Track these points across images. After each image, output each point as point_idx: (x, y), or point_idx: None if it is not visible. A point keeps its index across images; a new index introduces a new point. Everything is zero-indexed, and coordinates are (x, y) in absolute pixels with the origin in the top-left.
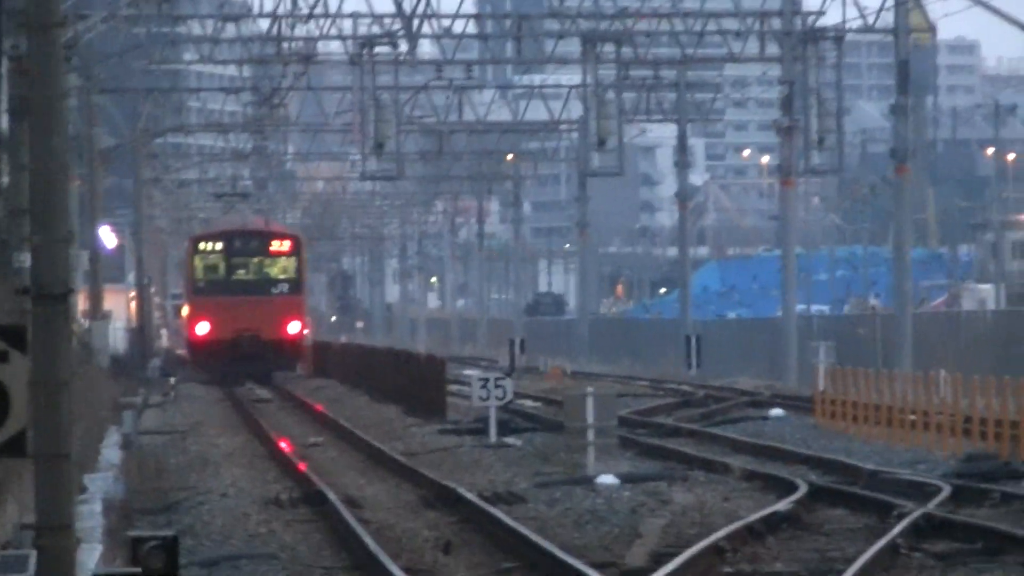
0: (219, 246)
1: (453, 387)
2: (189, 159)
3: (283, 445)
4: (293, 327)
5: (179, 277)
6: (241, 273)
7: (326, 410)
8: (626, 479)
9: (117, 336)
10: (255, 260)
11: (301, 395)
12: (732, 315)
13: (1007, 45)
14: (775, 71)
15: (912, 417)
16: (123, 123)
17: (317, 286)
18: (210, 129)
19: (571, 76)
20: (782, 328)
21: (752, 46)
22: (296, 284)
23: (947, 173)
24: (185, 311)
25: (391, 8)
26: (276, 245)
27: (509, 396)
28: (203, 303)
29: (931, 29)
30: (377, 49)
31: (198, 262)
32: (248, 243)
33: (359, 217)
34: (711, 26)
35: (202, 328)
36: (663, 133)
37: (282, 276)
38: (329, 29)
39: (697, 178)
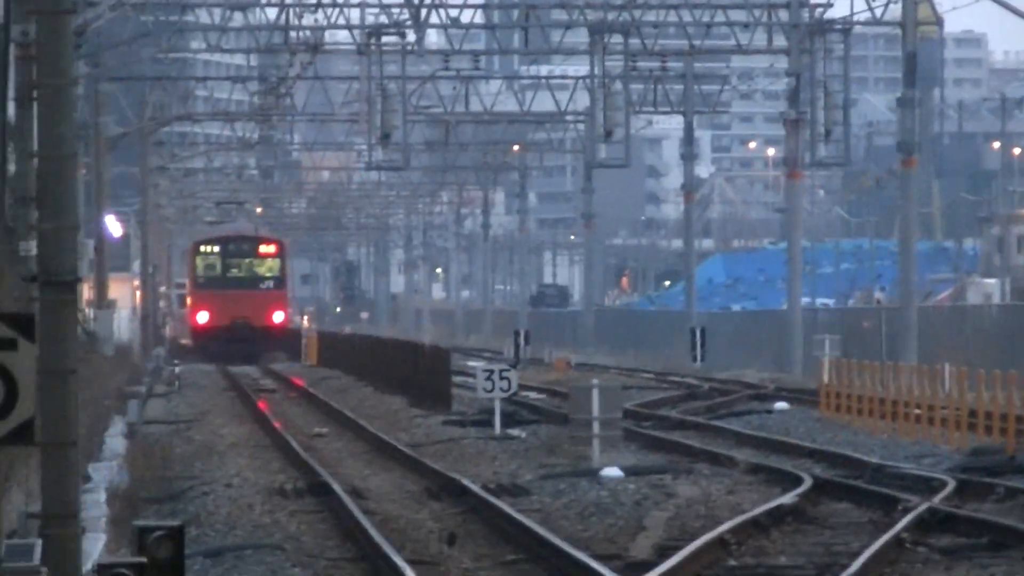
0: (216, 249)
1: (458, 378)
2: (196, 148)
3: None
4: (278, 316)
5: (183, 266)
6: (234, 271)
7: (330, 400)
8: (631, 471)
9: (122, 324)
10: (246, 260)
11: (306, 385)
12: (737, 307)
13: (1014, 39)
14: (782, 63)
15: (917, 411)
16: (130, 111)
17: (322, 276)
18: (217, 118)
19: (578, 67)
20: (787, 321)
21: (759, 38)
22: (280, 280)
23: (953, 166)
24: (188, 302)
25: None
26: (263, 248)
27: (514, 388)
28: (203, 295)
29: (938, 22)
30: (384, 39)
31: (199, 262)
32: (240, 246)
33: (365, 207)
34: (718, 17)
35: (202, 317)
36: (669, 125)
37: (268, 274)
38: (337, 18)
39: (703, 170)
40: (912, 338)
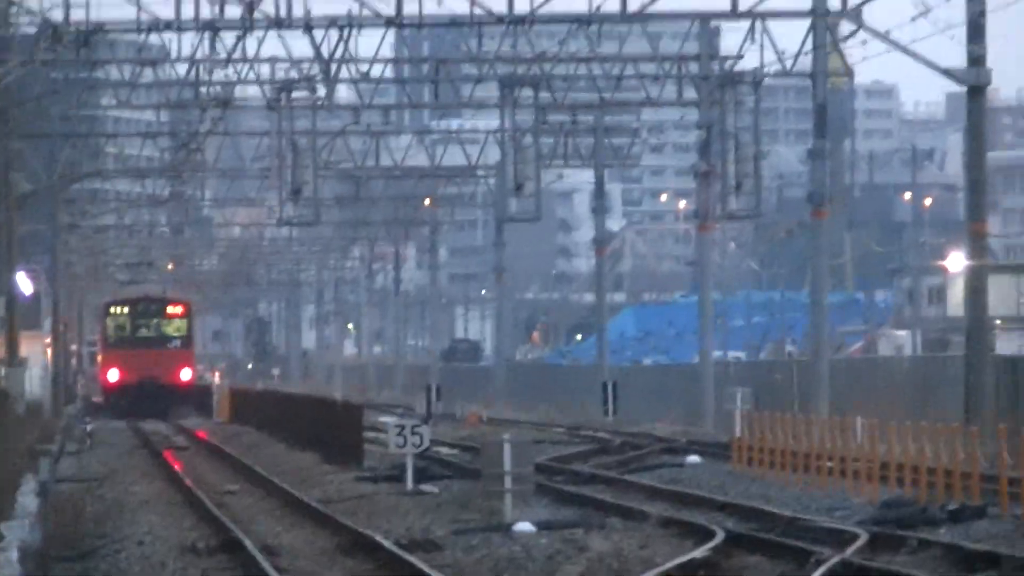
0: (126, 310)
1: (370, 434)
2: (107, 204)
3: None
4: (185, 373)
5: (95, 324)
6: (143, 331)
7: (242, 456)
8: (543, 526)
9: (34, 382)
10: (154, 320)
11: (217, 442)
12: (649, 361)
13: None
14: (693, 115)
15: (829, 464)
16: (40, 168)
17: (234, 332)
18: (128, 174)
19: (488, 121)
20: (698, 374)
21: (670, 90)
22: (187, 339)
23: (864, 217)
24: (99, 360)
25: (309, 52)
26: (171, 309)
27: (426, 443)
28: (113, 354)
29: (849, 73)
30: (295, 94)
31: (109, 322)
32: (148, 307)
33: (276, 263)
34: (628, 70)
35: (113, 375)
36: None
37: (176, 333)
38: (247, 74)
39: (614, 223)
40: (824, 390)
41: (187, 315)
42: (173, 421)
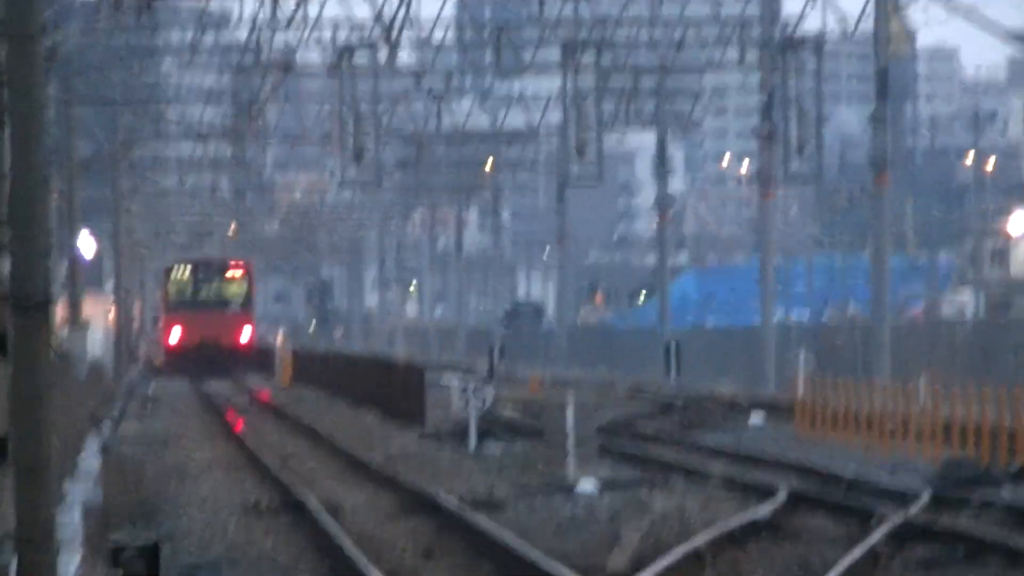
0: (187, 272)
1: (432, 395)
2: (168, 169)
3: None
4: (245, 335)
5: (157, 288)
6: (204, 293)
7: (304, 418)
8: (606, 486)
9: (96, 344)
10: (214, 283)
11: (279, 404)
12: (710, 323)
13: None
14: (754, 79)
15: (892, 426)
16: (102, 133)
17: (296, 295)
18: (189, 139)
19: (550, 84)
20: (760, 337)
21: (732, 54)
22: (247, 302)
23: (926, 181)
24: (161, 323)
25: (370, 16)
26: (231, 272)
27: (489, 403)
28: (174, 317)
29: (911, 37)
30: (356, 58)
31: (171, 285)
32: (209, 270)
33: (338, 227)
34: (690, 34)
35: (174, 337)
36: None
37: (236, 296)
38: (308, 37)
39: (676, 186)
40: (885, 354)
41: (247, 278)
42: (234, 383)
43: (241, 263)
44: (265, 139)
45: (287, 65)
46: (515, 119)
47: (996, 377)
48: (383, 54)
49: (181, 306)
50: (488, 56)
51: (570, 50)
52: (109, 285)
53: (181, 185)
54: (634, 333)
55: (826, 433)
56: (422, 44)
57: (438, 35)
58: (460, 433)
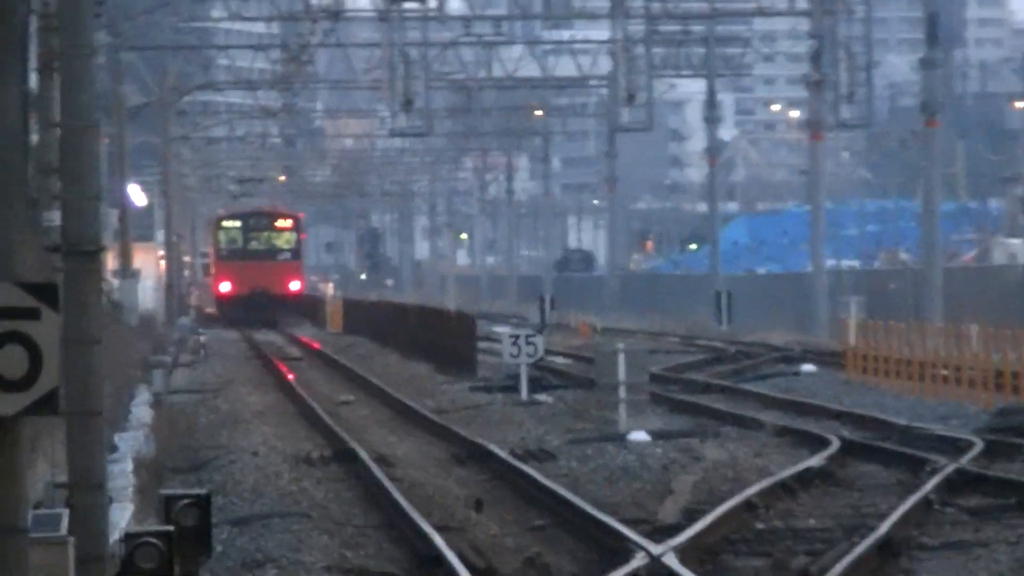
0: (238, 223)
1: (483, 344)
2: (218, 116)
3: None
4: (294, 284)
5: (207, 236)
6: (254, 244)
7: (355, 367)
8: (658, 435)
9: (147, 294)
10: (264, 234)
11: (331, 353)
12: (762, 270)
13: None
14: (804, 25)
15: (944, 372)
16: (151, 80)
17: (347, 244)
18: (239, 86)
19: (600, 31)
20: (812, 283)
21: (781, 0)
22: (296, 252)
23: (976, 126)
24: (212, 272)
25: None
26: (280, 223)
27: (540, 353)
28: (225, 266)
29: None
30: (406, 4)
31: (222, 235)
32: (260, 221)
33: (388, 174)
34: None
35: (225, 286)
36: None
37: (285, 246)
38: None
39: (726, 133)
40: (937, 299)
41: (296, 228)
42: (285, 332)
43: (290, 214)
44: (315, 86)
45: (337, 12)
46: (565, 66)
47: None
48: (433, 1)
49: (232, 256)
50: (538, 3)
51: None
52: (160, 236)
53: (231, 132)
54: (685, 280)
55: (878, 380)
56: None
57: None
58: (511, 383)
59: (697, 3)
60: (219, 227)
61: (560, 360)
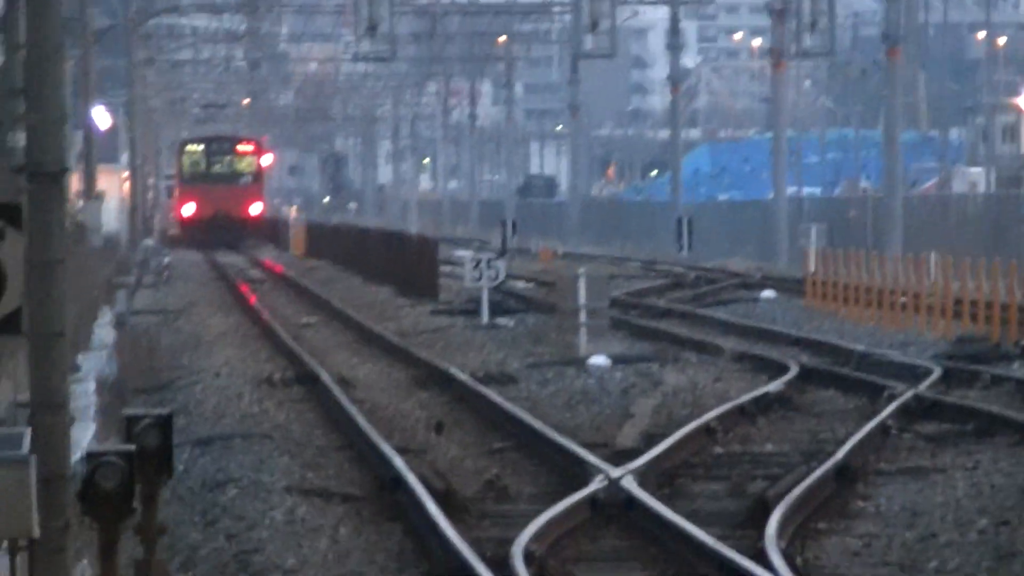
0: (200, 148)
1: (445, 268)
2: (183, 40)
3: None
4: (255, 208)
5: (171, 159)
6: (216, 168)
7: (318, 290)
8: (618, 360)
9: (111, 216)
10: (227, 158)
11: (293, 276)
12: (723, 197)
13: None
14: None
15: (903, 300)
16: (117, 3)
17: (310, 168)
18: (204, 10)
19: None
20: (773, 210)
21: None
22: (257, 176)
23: (938, 56)
24: (175, 196)
25: None
26: (242, 147)
27: (501, 277)
28: (188, 190)
29: None
30: None
31: (185, 159)
32: (221, 145)
33: (352, 99)
34: None
35: (188, 209)
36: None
37: (247, 170)
38: None
39: (689, 61)
40: (897, 227)
41: (257, 153)
42: (248, 254)
43: (252, 139)
44: (279, 10)
45: None
46: None
47: (1007, 252)
48: None
49: (194, 179)
50: None
51: None
52: (124, 158)
53: (196, 56)
54: (647, 207)
55: (837, 307)
56: None
57: None
58: (473, 307)
59: None
60: (182, 152)
61: (521, 284)
